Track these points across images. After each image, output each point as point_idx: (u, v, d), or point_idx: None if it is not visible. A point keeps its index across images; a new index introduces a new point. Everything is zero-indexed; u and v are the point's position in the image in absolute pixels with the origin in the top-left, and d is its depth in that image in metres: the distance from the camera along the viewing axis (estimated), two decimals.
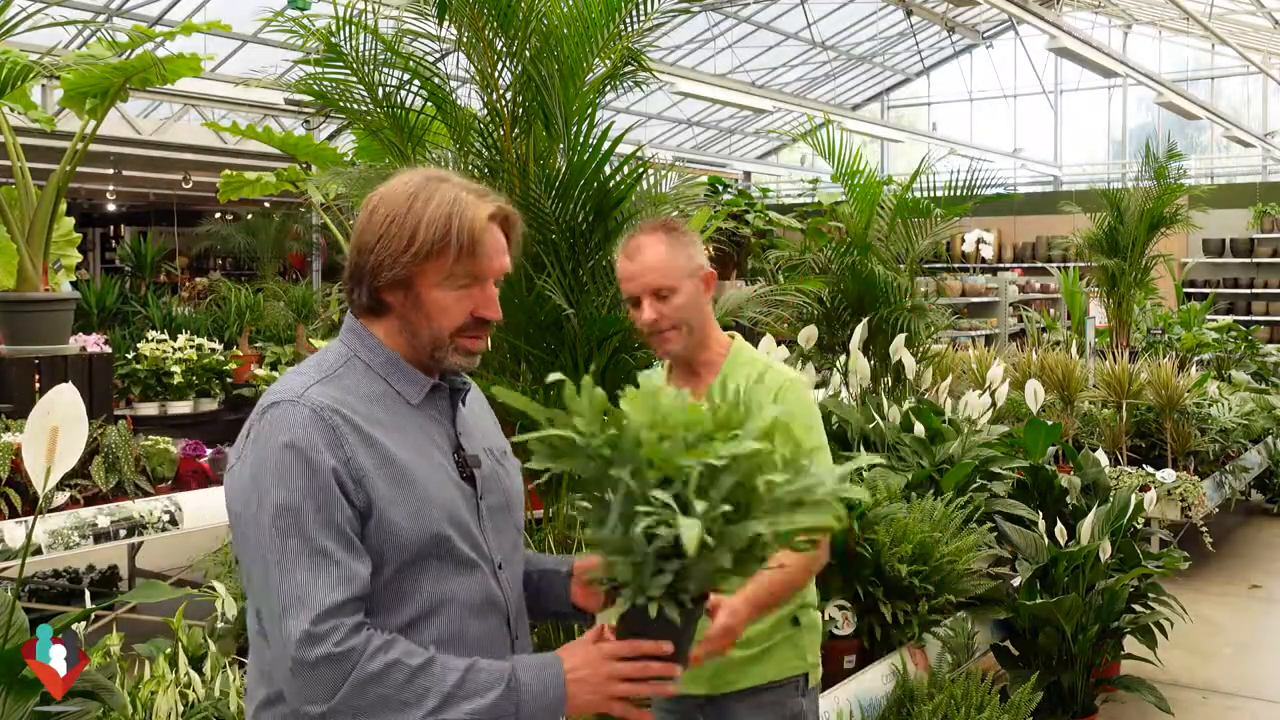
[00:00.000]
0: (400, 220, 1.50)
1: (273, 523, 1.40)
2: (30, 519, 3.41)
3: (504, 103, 3.35)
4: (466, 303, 1.52)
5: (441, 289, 1.51)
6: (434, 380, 1.58)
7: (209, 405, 6.98)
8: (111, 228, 20.16)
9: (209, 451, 4.36)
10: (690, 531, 1.22)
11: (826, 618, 3.20)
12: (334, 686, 1.36)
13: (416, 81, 3.43)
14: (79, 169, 4.98)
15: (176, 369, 6.72)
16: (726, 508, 1.29)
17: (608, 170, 3.20)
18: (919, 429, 4.32)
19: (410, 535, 1.46)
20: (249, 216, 16.88)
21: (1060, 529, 3.88)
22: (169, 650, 2.83)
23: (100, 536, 3.73)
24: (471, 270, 1.51)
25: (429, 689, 1.38)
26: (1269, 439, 7.10)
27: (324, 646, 1.35)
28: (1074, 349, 6.91)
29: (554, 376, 1.43)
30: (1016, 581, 3.93)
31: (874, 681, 3.16)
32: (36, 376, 4.82)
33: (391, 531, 1.45)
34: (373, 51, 3.41)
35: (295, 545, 1.39)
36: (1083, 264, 10.81)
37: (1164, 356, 7.15)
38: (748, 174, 21.81)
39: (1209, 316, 9.82)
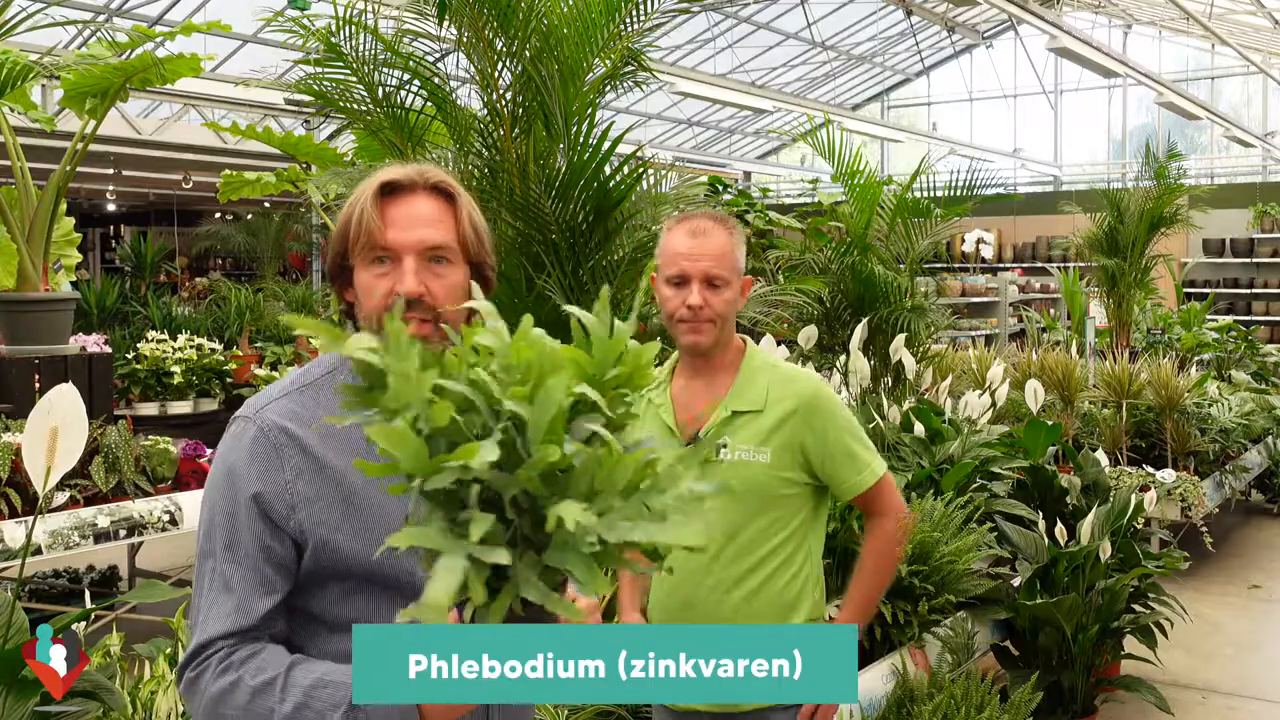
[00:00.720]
0: (339, 218, 1.50)
1: (201, 540, 1.42)
2: (30, 519, 3.41)
3: (504, 103, 3.35)
4: (387, 280, 1.43)
5: (363, 270, 1.45)
6: None
7: (209, 405, 6.99)
8: (111, 228, 20.16)
9: (209, 451, 4.36)
10: (567, 512, 0.94)
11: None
12: (196, 709, 1.37)
13: (416, 81, 3.43)
14: (79, 169, 4.98)
15: (176, 369, 6.73)
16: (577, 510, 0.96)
17: (608, 170, 3.20)
18: (919, 429, 4.33)
19: (355, 560, 1.40)
20: (249, 216, 16.89)
21: (1060, 529, 3.88)
22: (169, 650, 2.83)
23: (100, 536, 3.73)
24: (372, 243, 1.43)
25: (272, 710, 1.31)
26: (1269, 439, 7.10)
27: (189, 672, 1.37)
28: (1074, 349, 6.91)
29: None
30: (1016, 581, 3.93)
31: (874, 681, 3.16)
32: (36, 376, 4.82)
33: (336, 556, 1.40)
34: (373, 51, 3.42)
35: (209, 568, 1.40)
36: (1083, 264, 10.82)
37: (1164, 356, 7.14)
38: (748, 174, 21.81)
39: (1209, 316, 9.82)
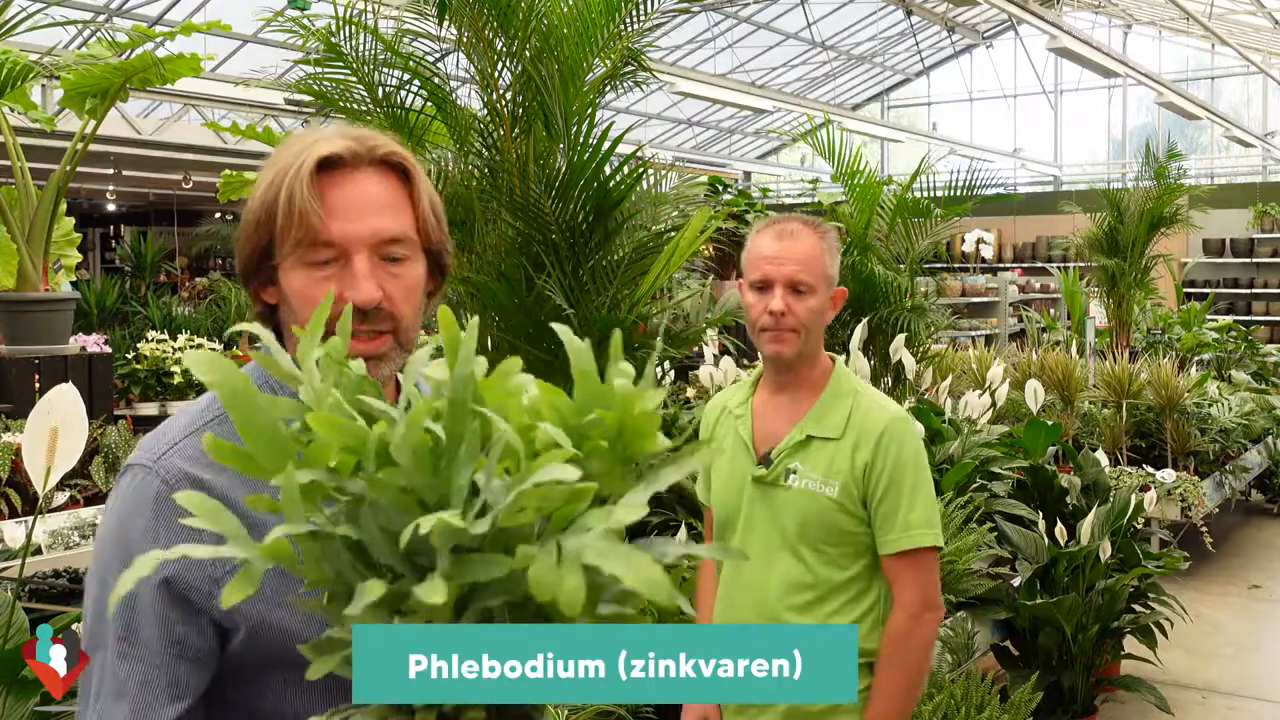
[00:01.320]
0: (251, 202, 1.16)
1: (88, 625, 1.12)
2: (30, 519, 3.41)
3: (504, 103, 3.35)
4: (329, 285, 1.11)
5: (295, 271, 1.13)
6: None
7: None
8: (111, 228, 20.16)
9: None
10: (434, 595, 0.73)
11: None
12: None
13: (416, 81, 3.43)
14: (79, 169, 4.98)
15: (176, 369, 6.73)
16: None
17: (608, 170, 3.20)
18: (919, 429, 4.33)
19: (304, 640, 1.10)
20: None
21: (1060, 529, 3.88)
22: None
23: None
24: (312, 237, 1.10)
25: None
26: (1269, 439, 7.10)
27: None
28: (1074, 349, 6.91)
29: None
30: (1016, 581, 3.93)
31: None
32: (36, 376, 4.82)
33: (276, 639, 1.10)
34: (373, 51, 3.41)
35: (97, 665, 1.10)
36: (1083, 264, 10.82)
37: (1164, 356, 7.14)
38: (748, 174, 21.81)
39: (1209, 316, 9.82)
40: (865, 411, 1.97)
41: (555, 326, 0.78)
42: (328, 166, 1.13)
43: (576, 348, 0.75)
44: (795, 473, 1.96)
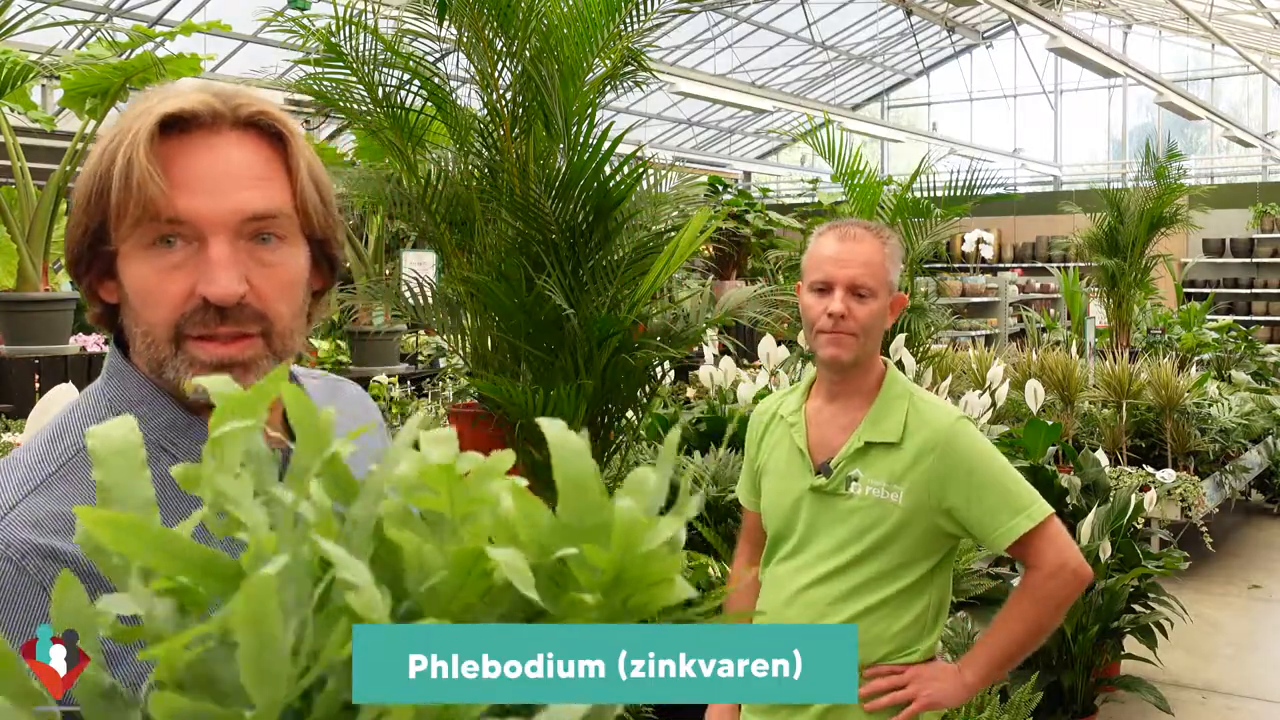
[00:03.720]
0: (83, 174, 0.93)
1: None
2: None
3: (504, 103, 3.35)
4: (184, 275, 0.90)
5: (135, 259, 0.90)
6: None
7: None
8: None
9: None
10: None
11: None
12: None
13: (416, 81, 3.43)
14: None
15: None
16: None
17: (608, 170, 3.20)
18: None
19: None
20: None
21: None
22: None
23: None
24: (152, 212, 0.88)
25: None
26: (1269, 439, 7.10)
27: None
28: (1074, 349, 6.91)
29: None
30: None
31: None
32: (36, 376, 4.82)
33: None
34: (373, 51, 3.41)
35: None
36: (1083, 264, 10.82)
37: (1164, 356, 7.14)
38: (748, 174, 21.82)
39: (1209, 316, 9.82)
40: (920, 414, 1.93)
41: (542, 422, 0.49)
42: (175, 127, 0.90)
43: (564, 444, 0.48)
44: (857, 480, 1.92)
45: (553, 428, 0.49)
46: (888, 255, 1.94)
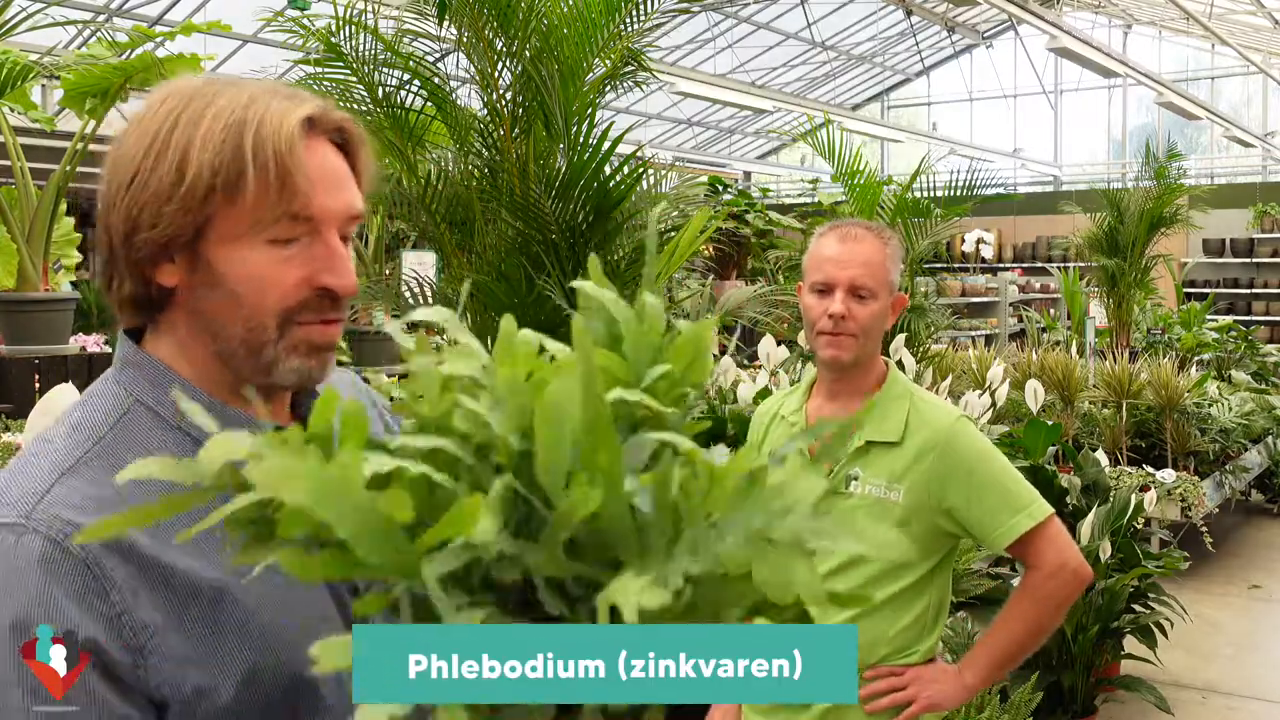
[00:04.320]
0: (162, 144, 0.92)
1: None
2: None
3: (504, 103, 3.35)
4: (296, 265, 0.95)
5: (249, 247, 0.93)
6: (267, 419, 0.77)
7: None
8: None
9: None
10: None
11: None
12: None
13: (416, 81, 3.43)
14: (79, 169, 4.98)
15: None
16: None
17: (608, 170, 3.20)
18: None
19: (248, 705, 0.92)
20: None
21: None
22: None
23: None
24: (289, 209, 0.93)
25: None
26: (1269, 439, 7.11)
27: None
28: (1074, 349, 6.91)
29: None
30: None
31: None
32: (36, 376, 4.82)
33: (217, 709, 0.90)
34: (373, 51, 3.41)
35: None
36: (1083, 264, 10.83)
37: (1164, 356, 7.15)
38: (748, 174, 21.82)
39: (1209, 316, 9.82)
40: (920, 414, 1.93)
41: (577, 284, 0.72)
42: (307, 128, 0.95)
43: (608, 297, 0.69)
44: (856, 479, 1.92)
45: (587, 284, 0.72)
46: (888, 256, 1.94)
